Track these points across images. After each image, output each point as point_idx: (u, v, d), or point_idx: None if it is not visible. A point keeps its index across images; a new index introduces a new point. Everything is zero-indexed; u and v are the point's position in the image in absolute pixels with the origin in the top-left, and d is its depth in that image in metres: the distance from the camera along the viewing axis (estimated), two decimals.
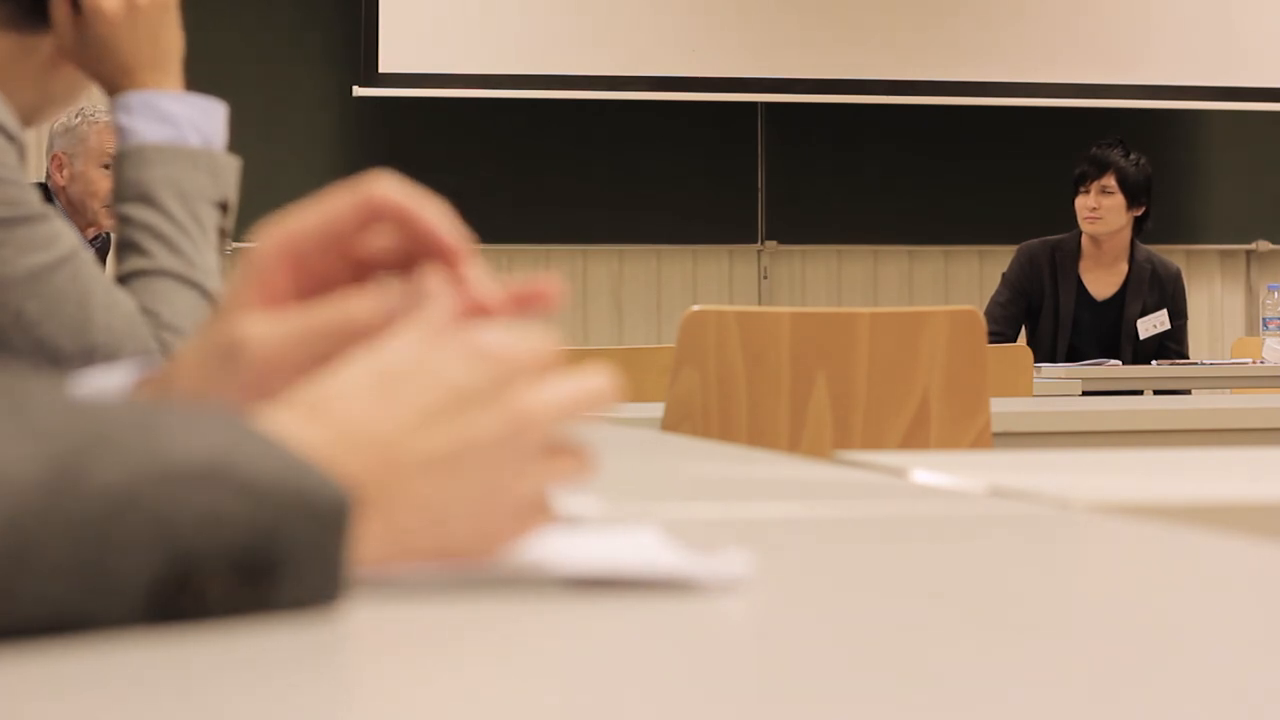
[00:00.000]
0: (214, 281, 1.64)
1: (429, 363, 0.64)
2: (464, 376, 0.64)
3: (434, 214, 0.70)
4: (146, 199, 1.63)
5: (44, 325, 1.53)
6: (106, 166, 4.54)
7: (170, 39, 1.69)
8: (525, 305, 0.69)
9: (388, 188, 0.70)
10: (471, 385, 0.64)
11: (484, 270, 0.70)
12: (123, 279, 1.62)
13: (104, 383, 0.73)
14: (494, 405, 0.64)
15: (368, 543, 0.61)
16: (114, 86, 1.68)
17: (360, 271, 0.71)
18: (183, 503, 0.54)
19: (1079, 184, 5.21)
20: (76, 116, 4.63)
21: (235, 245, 1.71)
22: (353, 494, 0.58)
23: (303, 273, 0.70)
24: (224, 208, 1.68)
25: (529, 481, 0.65)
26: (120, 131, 1.66)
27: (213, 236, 1.66)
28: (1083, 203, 5.19)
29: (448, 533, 0.63)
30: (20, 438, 0.53)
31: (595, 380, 0.67)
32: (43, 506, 0.52)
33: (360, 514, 0.59)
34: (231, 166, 1.68)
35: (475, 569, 0.64)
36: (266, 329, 0.66)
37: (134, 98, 1.66)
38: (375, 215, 0.70)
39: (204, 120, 1.67)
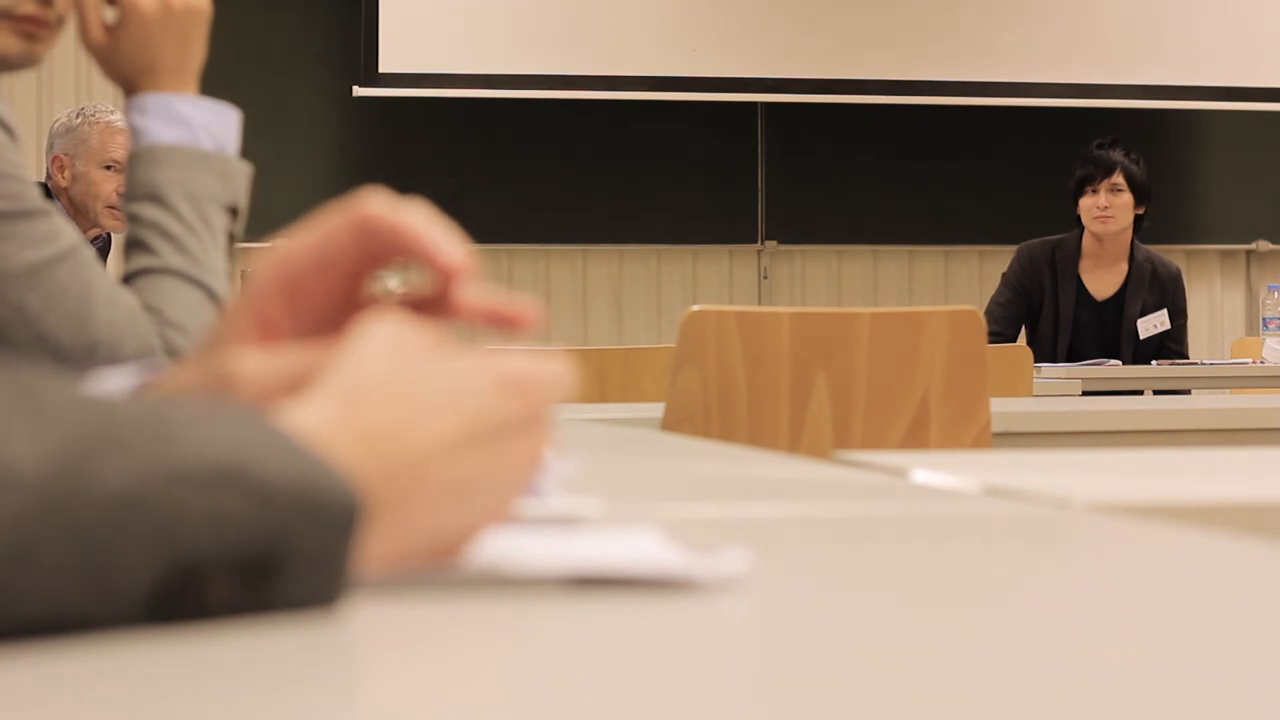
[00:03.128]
0: (220, 283, 1.64)
1: (466, 387, 0.64)
2: (497, 408, 0.64)
3: (427, 227, 0.69)
4: (156, 198, 1.63)
5: (45, 320, 1.53)
6: (109, 167, 4.51)
7: (196, 48, 1.70)
8: (503, 324, 0.70)
9: (378, 205, 0.69)
10: (502, 419, 0.64)
11: (480, 282, 0.70)
12: (129, 276, 1.62)
13: (108, 386, 0.73)
14: (517, 442, 0.65)
15: (368, 549, 0.61)
16: (132, 87, 1.68)
17: (359, 291, 0.71)
18: (188, 506, 0.54)
19: (1085, 184, 5.21)
20: (78, 117, 4.60)
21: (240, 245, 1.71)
22: (364, 498, 0.58)
23: (300, 299, 0.70)
24: (234, 212, 1.68)
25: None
26: (134, 131, 1.67)
27: (221, 239, 1.66)
28: (1092, 202, 5.19)
29: (441, 544, 0.64)
30: (32, 435, 0.53)
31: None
32: (48, 507, 0.52)
33: (368, 520, 0.59)
34: (243, 172, 1.69)
35: (475, 569, 0.65)
36: (257, 366, 0.65)
37: (150, 99, 1.66)
38: (368, 234, 0.69)
39: (218, 125, 1.68)
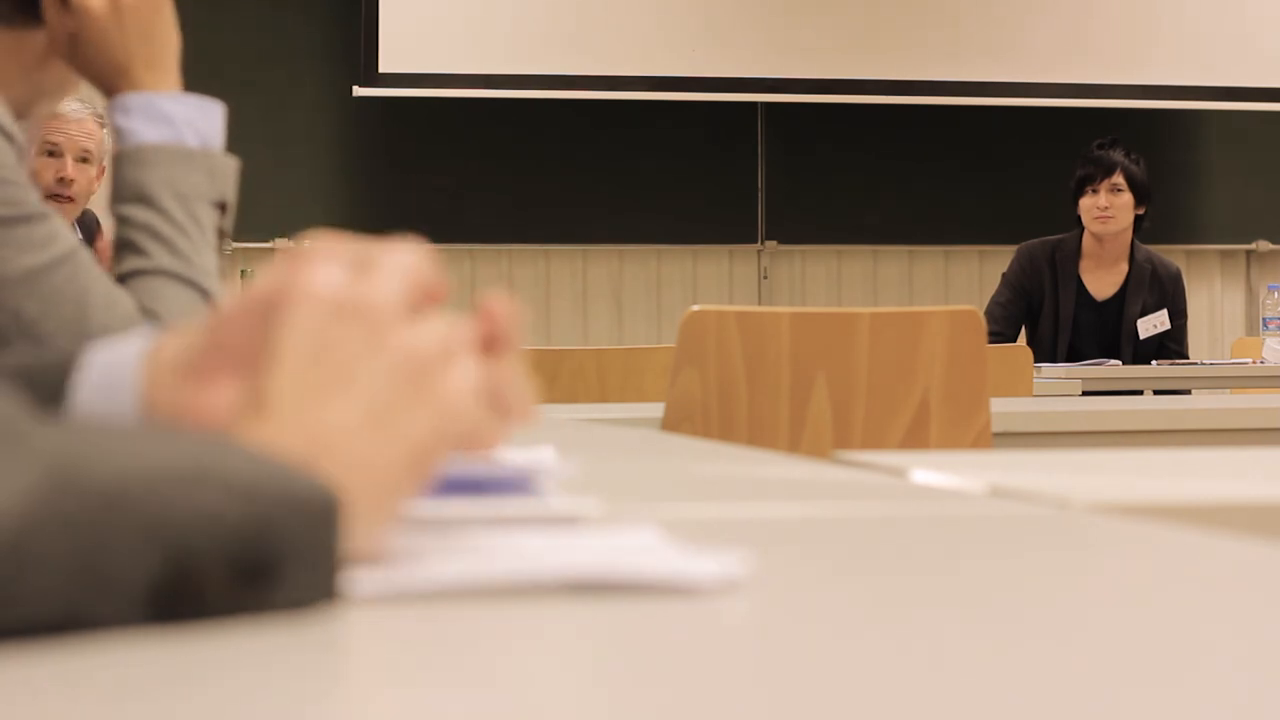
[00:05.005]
0: (212, 282, 1.64)
1: (363, 360, 0.65)
2: (394, 377, 0.65)
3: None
4: (144, 199, 1.63)
5: (41, 324, 1.53)
6: (49, 153, 4.48)
7: (164, 38, 1.69)
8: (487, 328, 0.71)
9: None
10: (399, 390, 0.65)
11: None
12: (121, 279, 1.62)
13: (117, 353, 0.73)
14: (427, 405, 0.65)
15: (357, 540, 0.62)
16: (111, 88, 1.67)
17: None
18: (174, 502, 0.55)
19: (1085, 184, 5.21)
20: None
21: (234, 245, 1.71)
22: (338, 494, 0.59)
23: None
24: (222, 208, 1.68)
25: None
26: (118, 133, 1.66)
27: (211, 237, 1.66)
28: (1092, 203, 5.19)
29: (393, 500, 0.65)
30: (11, 456, 0.53)
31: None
32: (38, 505, 0.52)
33: (346, 512, 0.60)
34: (230, 167, 1.68)
35: (475, 577, 0.65)
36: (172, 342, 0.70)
37: (131, 99, 1.66)
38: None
39: (202, 120, 1.67)
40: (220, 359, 0.67)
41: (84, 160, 4.47)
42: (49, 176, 4.48)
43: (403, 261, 0.68)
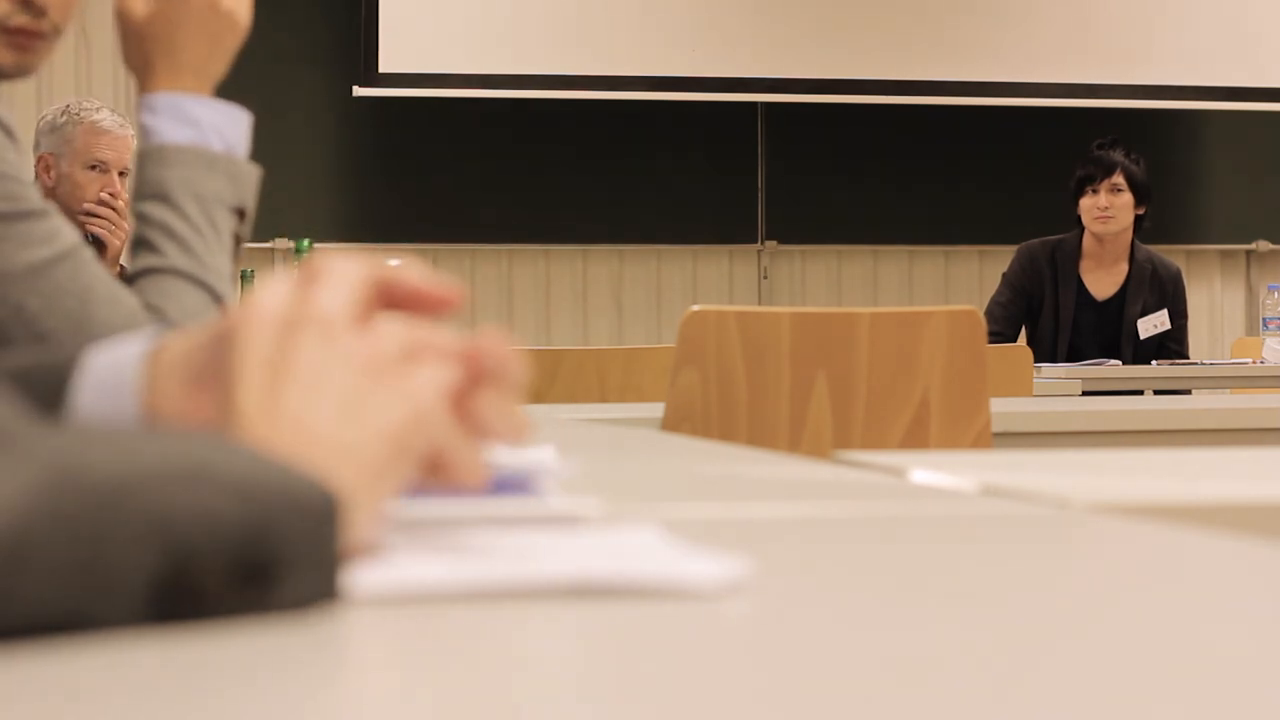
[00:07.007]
0: (224, 285, 1.65)
1: (322, 362, 0.66)
2: (355, 374, 0.66)
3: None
4: (163, 198, 1.63)
5: (44, 320, 1.53)
6: (93, 168, 4.46)
7: (221, 57, 1.70)
8: (426, 306, 0.71)
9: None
10: (363, 385, 0.66)
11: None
12: (134, 275, 1.63)
13: (117, 355, 0.73)
14: (394, 395, 0.66)
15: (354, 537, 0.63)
16: (149, 73, 1.68)
17: None
18: (174, 500, 0.55)
19: (1085, 184, 5.21)
20: (63, 115, 4.52)
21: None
22: (337, 494, 0.59)
23: None
24: (241, 215, 1.68)
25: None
26: (143, 130, 1.67)
27: (227, 241, 1.66)
28: (1092, 203, 5.19)
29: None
30: (9, 457, 0.53)
31: (485, 342, 0.69)
32: (37, 504, 0.52)
33: (344, 510, 0.60)
34: (251, 175, 1.69)
35: (476, 582, 0.65)
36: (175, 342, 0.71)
37: (160, 99, 1.66)
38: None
39: (228, 127, 1.67)
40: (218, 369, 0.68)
41: (125, 175, 4.45)
42: (95, 191, 4.45)
43: (345, 274, 0.69)
